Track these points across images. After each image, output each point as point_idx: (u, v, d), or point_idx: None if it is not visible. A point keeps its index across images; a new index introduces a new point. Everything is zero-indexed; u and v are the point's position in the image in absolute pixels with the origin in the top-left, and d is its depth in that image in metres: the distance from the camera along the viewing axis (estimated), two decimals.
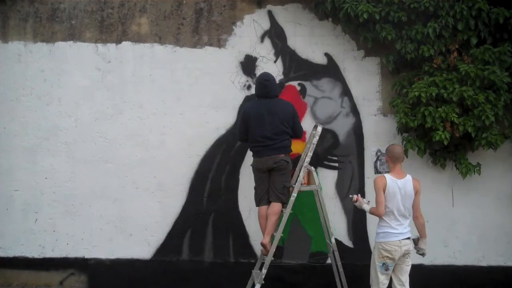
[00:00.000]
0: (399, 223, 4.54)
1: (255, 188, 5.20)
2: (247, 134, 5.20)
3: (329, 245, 5.24)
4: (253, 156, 5.21)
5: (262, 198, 5.12)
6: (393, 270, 4.56)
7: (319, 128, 5.21)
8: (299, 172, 5.10)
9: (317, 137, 5.19)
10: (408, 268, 4.57)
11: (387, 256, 4.48)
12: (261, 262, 5.18)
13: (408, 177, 4.61)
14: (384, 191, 4.51)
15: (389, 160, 4.66)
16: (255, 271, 5.18)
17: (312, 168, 5.21)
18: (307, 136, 5.74)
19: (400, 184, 4.54)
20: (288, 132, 5.12)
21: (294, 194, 5.03)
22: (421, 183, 5.58)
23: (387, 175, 4.59)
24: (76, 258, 5.94)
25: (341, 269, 5.20)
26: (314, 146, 5.19)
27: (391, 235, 4.51)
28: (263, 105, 5.14)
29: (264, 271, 5.01)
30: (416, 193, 4.62)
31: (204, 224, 5.78)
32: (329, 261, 5.50)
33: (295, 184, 5.08)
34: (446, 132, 5.15)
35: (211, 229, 5.75)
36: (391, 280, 4.60)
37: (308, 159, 5.16)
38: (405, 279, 4.56)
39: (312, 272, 5.68)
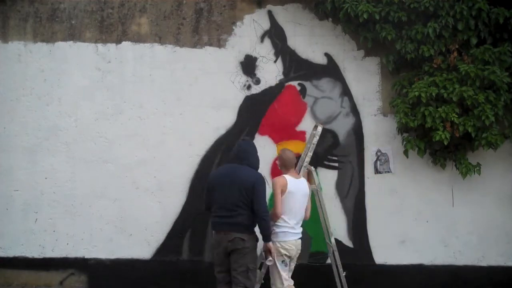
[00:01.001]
0: (296, 223, 4.71)
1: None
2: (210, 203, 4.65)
3: (329, 245, 5.24)
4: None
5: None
6: None
7: (319, 128, 5.22)
8: (299, 172, 5.10)
9: (317, 137, 5.20)
10: (293, 266, 4.79)
11: (286, 254, 4.64)
12: (260, 261, 5.18)
13: (303, 179, 4.85)
14: (283, 192, 4.61)
15: (281, 166, 4.79)
16: None
17: (312, 168, 5.21)
18: (307, 137, 5.76)
19: (298, 184, 4.72)
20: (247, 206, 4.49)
21: None
22: (421, 183, 5.65)
23: (286, 176, 4.71)
24: (76, 258, 5.94)
25: (341, 269, 5.20)
26: (314, 146, 5.19)
27: (290, 235, 4.65)
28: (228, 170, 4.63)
29: (263, 270, 5.01)
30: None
31: (204, 224, 5.77)
32: (329, 261, 5.51)
33: None
34: (446, 132, 5.15)
35: (211, 229, 5.74)
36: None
37: (308, 159, 5.16)
38: (290, 274, 4.76)
39: (312, 272, 5.68)
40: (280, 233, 4.65)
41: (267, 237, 4.54)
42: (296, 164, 4.92)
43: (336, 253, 5.17)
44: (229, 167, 4.67)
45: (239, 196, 4.46)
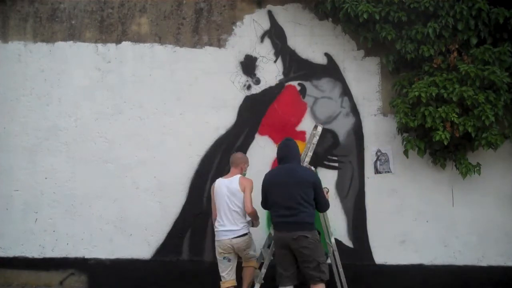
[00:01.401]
0: (229, 220, 4.94)
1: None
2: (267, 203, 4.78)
3: (329, 245, 5.24)
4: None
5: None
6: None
7: (319, 128, 5.22)
8: None
9: (317, 137, 5.20)
10: (248, 255, 5.07)
11: (223, 252, 4.98)
12: (260, 261, 5.19)
13: (236, 177, 5.01)
14: (213, 195, 5.05)
15: (230, 163, 5.16)
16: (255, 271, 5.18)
17: (312, 168, 5.21)
18: (307, 137, 5.76)
19: (227, 183, 4.99)
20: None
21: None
22: (421, 183, 5.63)
23: (218, 179, 5.09)
24: (76, 258, 5.94)
25: (341, 269, 5.20)
26: (314, 146, 5.20)
27: (222, 234, 4.96)
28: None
29: (263, 270, 5.02)
30: (244, 189, 4.93)
31: (204, 224, 5.78)
32: (329, 261, 5.50)
33: None
34: (446, 132, 5.14)
35: (211, 229, 5.73)
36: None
37: (308, 159, 5.17)
38: (246, 252, 5.05)
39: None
40: (216, 233, 5.05)
41: None
42: (242, 165, 5.12)
43: (336, 253, 5.17)
44: (284, 167, 4.70)
45: (302, 195, 4.54)
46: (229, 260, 5.01)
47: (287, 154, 4.74)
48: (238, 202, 4.95)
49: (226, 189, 4.98)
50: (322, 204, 4.70)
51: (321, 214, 5.18)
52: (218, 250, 5.02)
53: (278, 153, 4.82)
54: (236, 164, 5.13)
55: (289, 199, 4.55)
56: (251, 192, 4.97)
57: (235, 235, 4.94)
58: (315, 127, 5.28)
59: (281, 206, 4.60)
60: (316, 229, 4.73)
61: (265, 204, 4.83)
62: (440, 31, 5.25)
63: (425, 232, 5.65)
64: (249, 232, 5.05)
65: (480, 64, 5.18)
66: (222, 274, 5.05)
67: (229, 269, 5.04)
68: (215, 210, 5.05)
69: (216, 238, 5.05)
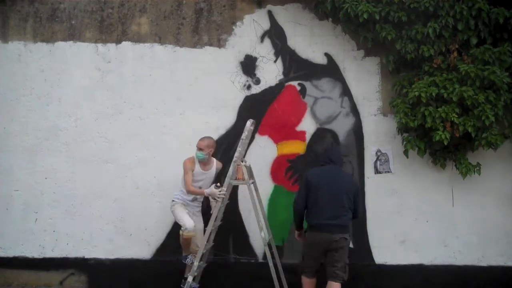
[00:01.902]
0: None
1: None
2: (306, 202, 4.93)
3: (263, 239, 5.18)
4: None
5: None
6: None
7: (248, 123, 5.22)
8: (230, 167, 5.17)
9: (246, 133, 5.20)
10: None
11: None
12: (201, 254, 5.19)
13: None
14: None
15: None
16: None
17: (242, 163, 5.20)
18: (307, 137, 5.76)
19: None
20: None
21: (224, 189, 5.14)
22: (421, 183, 5.65)
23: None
24: (76, 258, 5.94)
25: (276, 265, 5.27)
26: (243, 141, 5.19)
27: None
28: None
29: (196, 263, 5.12)
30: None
31: (204, 224, 5.77)
32: None
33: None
34: (446, 132, 5.14)
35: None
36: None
37: (237, 154, 5.17)
38: None
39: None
40: None
41: None
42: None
43: (266, 248, 5.14)
44: (331, 169, 4.98)
45: (346, 199, 4.82)
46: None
47: (338, 159, 5.08)
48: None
49: None
50: (359, 209, 5.06)
51: (254, 208, 5.16)
52: None
53: (328, 154, 5.10)
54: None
55: (336, 202, 4.81)
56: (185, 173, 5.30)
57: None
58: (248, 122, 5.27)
59: (326, 208, 4.80)
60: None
61: (303, 200, 4.91)
62: (440, 31, 5.25)
63: (425, 232, 5.65)
64: (174, 202, 5.39)
65: (480, 64, 5.17)
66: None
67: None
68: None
69: None
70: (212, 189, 5.21)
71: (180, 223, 5.31)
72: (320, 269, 4.98)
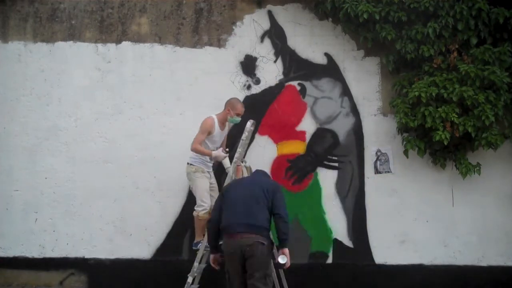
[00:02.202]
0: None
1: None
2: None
3: None
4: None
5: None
6: None
7: (248, 124, 5.19)
8: (231, 169, 5.14)
9: (246, 133, 5.18)
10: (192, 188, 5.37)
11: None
12: (201, 254, 5.18)
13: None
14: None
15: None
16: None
17: (243, 164, 5.20)
18: (307, 137, 5.76)
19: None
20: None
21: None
22: (421, 183, 5.66)
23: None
24: (76, 258, 5.94)
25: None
26: (243, 142, 5.18)
27: None
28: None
29: (196, 264, 5.11)
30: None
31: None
32: (329, 261, 5.51)
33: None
34: (446, 132, 5.14)
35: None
36: None
37: (237, 154, 5.15)
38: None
39: (312, 272, 5.68)
40: None
41: None
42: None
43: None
44: (246, 178, 4.99)
45: (260, 197, 4.42)
46: None
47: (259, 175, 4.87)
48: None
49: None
50: (282, 212, 4.46)
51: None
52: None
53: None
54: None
55: (247, 200, 4.43)
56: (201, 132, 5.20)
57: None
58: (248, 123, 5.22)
59: (236, 209, 4.43)
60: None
61: (215, 215, 4.57)
62: (440, 31, 5.25)
63: (425, 232, 5.65)
64: (193, 166, 5.24)
65: (480, 64, 5.18)
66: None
67: None
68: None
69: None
70: (220, 152, 5.18)
71: (199, 201, 5.20)
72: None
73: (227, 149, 5.26)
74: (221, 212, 4.47)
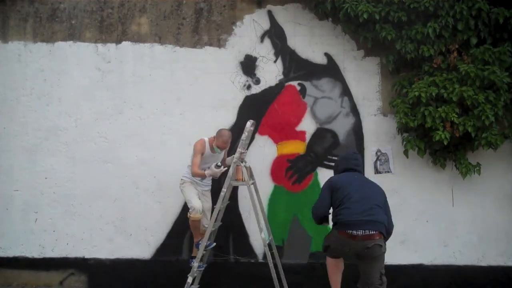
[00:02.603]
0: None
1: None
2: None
3: (263, 240, 5.17)
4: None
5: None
6: None
7: (248, 124, 5.21)
8: (230, 168, 5.17)
9: (246, 133, 5.19)
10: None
11: None
12: (201, 254, 5.21)
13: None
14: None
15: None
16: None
17: (242, 164, 5.21)
18: (307, 137, 5.76)
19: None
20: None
21: (224, 190, 5.14)
22: (421, 183, 5.65)
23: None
24: (76, 258, 5.94)
25: (276, 265, 5.27)
26: (243, 142, 5.19)
27: None
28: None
29: (196, 264, 5.13)
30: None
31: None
32: None
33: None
34: (446, 132, 5.14)
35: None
36: None
37: (237, 154, 5.17)
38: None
39: (312, 272, 5.68)
40: None
41: None
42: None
43: (266, 249, 5.12)
44: (356, 174, 4.63)
45: (379, 203, 4.42)
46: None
47: (360, 164, 4.77)
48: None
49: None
50: (391, 225, 4.54)
51: (254, 209, 5.17)
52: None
53: (349, 162, 4.69)
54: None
55: (368, 201, 4.36)
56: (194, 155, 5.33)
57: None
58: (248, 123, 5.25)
59: (358, 205, 4.34)
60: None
61: (323, 207, 4.52)
62: (440, 31, 5.25)
63: (425, 232, 5.65)
64: (183, 180, 5.39)
65: (480, 64, 5.18)
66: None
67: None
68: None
69: None
70: (212, 169, 5.23)
71: (189, 204, 5.31)
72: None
73: (219, 163, 5.30)
74: (334, 203, 4.48)
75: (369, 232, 4.26)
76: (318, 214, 4.56)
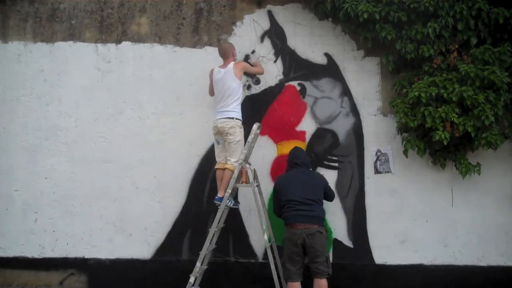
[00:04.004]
0: (221, 106, 5.32)
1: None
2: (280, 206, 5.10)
3: (265, 241, 5.19)
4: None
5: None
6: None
7: (254, 126, 5.26)
8: (236, 169, 5.19)
9: (252, 135, 5.23)
10: (231, 144, 5.28)
11: (214, 133, 5.39)
12: (203, 255, 5.22)
13: (230, 65, 5.36)
14: (211, 81, 5.46)
15: (221, 57, 5.49)
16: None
17: (247, 166, 5.22)
18: (307, 137, 5.76)
19: (223, 72, 5.34)
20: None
21: (229, 191, 5.15)
22: (421, 183, 5.64)
23: (215, 67, 5.45)
24: (76, 258, 5.94)
25: (277, 265, 5.28)
26: (249, 144, 5.23)
27: (215, 115, 5.36)
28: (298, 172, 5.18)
29: (198, 264, 5.13)
30: (243, 70, 5.47)
31: (204, 224, 5.78)
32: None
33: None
34: (446, 132, 5.14)
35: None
36: None
37: (242, 156, 5.18)
38: (229, 153, 5.33)
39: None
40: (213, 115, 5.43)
41: None
42: (231, 54, 5.44)
43: (269, 250, 5.14)
44: (297, 171, 5.18)
45: (316, 193, 5.03)
46: (218, 143, 5.41)
47: (303, 159, 5.24)
48: (231, 89, 5.30)
49: (222, 76, 5.33)
50: (330, 196, 5.28)
51: (258, 211, 5.21)
52: (212, 130, 5.42)
53: (293, 158, 5.24)
54: (226, 54, 5.43)
55: (306, 196, 4.94)
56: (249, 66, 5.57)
57: (223, 116, 5.28)
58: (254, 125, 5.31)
59: (297, 202, 4.93)
60: (324, 226, 5.03)
61: (278, 208, 5.11)
62: (440, 31, 5.25)
63: (425, 232, 5.65)
64: (237, 120, 5.30)
65: (480, 64, 5.17)
66: (216, 157, 5.48)
67: (218, 151, 5.44)
68: (211, 92, 5.56)
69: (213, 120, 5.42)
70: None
71: (237, 154, 5.25)
72: (305, 271, 5.00)
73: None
74: (281, 203, 5.12)
75: (310, 224, 4.87)
76: (276, 214, 5.20)
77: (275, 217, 5.67)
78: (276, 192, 5.16)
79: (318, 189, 5.08)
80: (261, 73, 5.71)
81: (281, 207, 5.06)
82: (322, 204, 5.06)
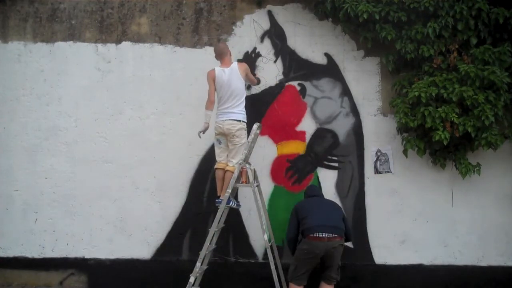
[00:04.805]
0: (227, 106, 5.26)
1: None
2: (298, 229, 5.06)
3: (265, 242, 5.18)
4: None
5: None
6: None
7: (254, 126, 5.25)
8: (236, 170, 5.17)
9: (252, 136, 5.22)
10: (236, 146, 5.25)
11: (216, 133, 5.32)
12: (203, 255, 5.21)
13: (234, 64, 5.33)
14: (214, 82, 5.32)
15: (216, 57, 5.42)
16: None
17: (247, 166, 5.22)
18: (307, 137, 5.76)
19: (227, 72, 5.26)
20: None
21: (229, 191, 5.14)
22: (421, 183, 5.64)
23: (216, 68, 5.34)
24: (76, 258, 5.94)
25: (277, 265, 5.27)
26: (249, 144, 5.22)
27: (220, 115, 5.29)
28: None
29: (198, 264, 5.11)
30: (245, 73, 5.37)
31: (204, 224, 5.78)
32: None
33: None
34: (446, 132, 5.14)
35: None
36: None
37: (242, 156, 5.19)
38: (232, 155, 5.30)
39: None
40: (216, 115, 5.34)
41: None
42: (228, 54, 5.40)
43: (269, 250, 5.14)
44: (317, 198, 5.29)
45: (339, 216, 5.07)
46: (219, 143, 5.35)
47: (318, 193, 5.39)
48: (238, 89, 5.26)
49: (228, 77, 5.26)
50: (351, 235, 5.20)
51: (258, 210, 5.19)
52: (215, 130, 5.35)
53: (310, 192, 5.35)
54: (224, 53, 5.38)
55: (329, 214, 5.00)
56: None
57: (230, 118, 5.24)
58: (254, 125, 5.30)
59: (320, 214, 4.95)
60: None
61: (294, 227, 5.05)
62: (440, 31, 5.26)
63: (425, 232, 5.65)
64: (244, 122, 5.28)
65: (480, 64, 5.18)
66: (216, 153, 5.43)
67: (219, 151, 5.38)
68: (213, 95, 5.35)
69: (215, 120, 5.34)
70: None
71: (239, 156, 5.23)
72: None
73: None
74: (300, 222, 5.05)
75: (333, 235, 4.83)
76: (289, 235, 5.08)
77: (275, 217, 5.70)
78: (295, 211, 5.09)
79: (338, 214, 5.08)
80: (254, 84, 5.75)
81: (297, 226, 5.00)
82: (344, 230, 5.01)
